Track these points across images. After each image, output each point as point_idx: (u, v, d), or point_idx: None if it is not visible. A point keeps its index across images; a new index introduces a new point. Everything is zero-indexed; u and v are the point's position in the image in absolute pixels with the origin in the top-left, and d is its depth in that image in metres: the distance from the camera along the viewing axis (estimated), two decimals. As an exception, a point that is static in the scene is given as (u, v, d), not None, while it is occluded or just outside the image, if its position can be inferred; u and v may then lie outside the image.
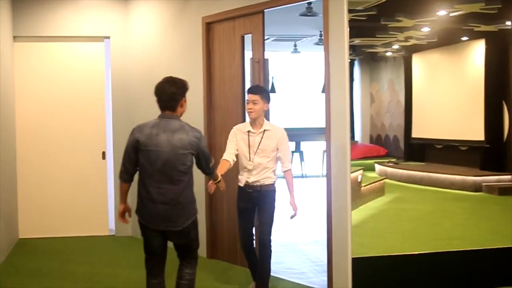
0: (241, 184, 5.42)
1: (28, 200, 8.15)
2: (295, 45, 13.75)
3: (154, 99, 7.45)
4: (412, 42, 11.51)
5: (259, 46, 6.27)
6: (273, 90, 15.62)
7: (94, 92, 8.28)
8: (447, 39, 13.42)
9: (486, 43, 13.01)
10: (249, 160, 5.34)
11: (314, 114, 15.56)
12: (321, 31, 12.28)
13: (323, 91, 15.92)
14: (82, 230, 8.27)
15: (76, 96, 8.27)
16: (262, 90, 5.44)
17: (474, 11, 9.40)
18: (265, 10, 6.18)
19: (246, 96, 5.42)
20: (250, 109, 5.33)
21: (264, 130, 5.35)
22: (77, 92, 8.26)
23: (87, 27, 8.19)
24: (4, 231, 7.13)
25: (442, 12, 9.71)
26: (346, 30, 5.27)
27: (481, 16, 10.23)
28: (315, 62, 15.72)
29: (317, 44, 12.90)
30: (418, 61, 12.66)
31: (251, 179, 5.34)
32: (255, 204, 5.40)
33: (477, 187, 12.19)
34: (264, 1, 6.09)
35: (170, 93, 4.76)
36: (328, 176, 5.50)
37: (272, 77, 15.68)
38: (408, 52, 11.77)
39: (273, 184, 5.41)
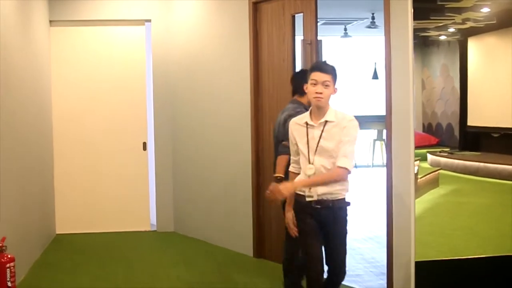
0: (305, 196, 4.00)
1: (65, 194, 7.80)
2: (345, 29, 13.24)
3: (197, 86, 7.15)
4: (469, 24, 10.84)
5: (312, 26, 5.76)
6: (375, 76, 15.10)
7: (134, 79, 7.87)
8: (507, 21, 12.79)
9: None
10: (309, 163, 4.00)
11: (363, 102, 15.09)
12: (373, 13, 11.77)
13: (374, 77, 15.52)
14: (122, 225, 7.89)
15: (116, 84, 7.87)
16: (333, 68, 3.99)
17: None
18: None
19: (311, 76, 3.91)
20: (320, 94, 3.88)
21: (326, 122, 3.95)
22: (116, 79, 7.87)
23: (127, 10, 7.77)
24: (40, 226, 6.78)
25: (507, -10, 9.19)
26: (411, 8, 4.76)
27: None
28: (366, 46, 15.24)
29: (369, 27, 12.37)
30: (474, 45, 11.94)
31: (319, 191, 3.96)
32: (322, 225, 4.04)
33: (542, 179, 11.58)
34: (317, -24, 5.59)
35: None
36: (389, 166, 4.99)
37: (375, 63, 15.16)
38: (464, 36, 11.06)
39: (344, 199, 4.05)
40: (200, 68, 7.22)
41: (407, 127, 4.85)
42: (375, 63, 15.14)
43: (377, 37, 15.75)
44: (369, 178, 13.30)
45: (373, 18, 11.99)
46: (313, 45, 5.73)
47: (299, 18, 5.92)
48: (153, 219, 8.05)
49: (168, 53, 7.74)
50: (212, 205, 7.12)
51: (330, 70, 3.93)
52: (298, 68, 5.97)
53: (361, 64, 15.34)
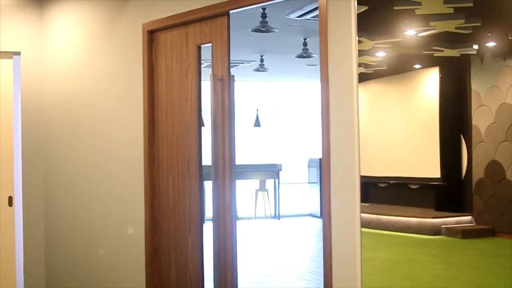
0: None
1: None
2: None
3: (77, 131, 6.07)
4: (360, 70, 10.29)
5: (223, 58, 4.84)
6: (257, 124, 14.50)
7: (-2, 121, 6.66)
8: (398, 67, 12.44)
9: (440, 71, 12.05)
10: None
11: (245, 150, 14.44)
12: (262, 55, 11.09)
13: (256, 125, 14.94)
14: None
15: (-25, 126, 6.61)
16: None
17: (447, 30, 8.45)
18: (230, 12, 4.76)
19: None
20: None
21: None
22: (-24, 121, 6.61)
23: (-9, 40, 6.56)
24: None
25: (410, 32, 8.77)
26: (355, 34, 3.95)
27: (450, 39, 9.35)
28: (249, 92, 14.65)
29: (257, 70, 11.69)
30: (361, 93, 11.37)
31: None
32: None
33: (436, 230, 11.11)
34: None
35: None
36: (327, 222, 4.09)
37: (257, 110, 14.52)
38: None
39: None
40: (81, 109, 6.14)
41: (352, 173, 3.99)
42: (257, 109, 14.57)
43: (261, 83, 15.29)
44: (253, 231, 12.71)
45: (262, 60, 11.32)
46: (225, 81, 4.81)
47: (207, 48, 4.99)
48: (19, 282, 6.74)
49: (42, 91, 6.58)
50: (95, 274, 5.97)
51: None
52: (205, 106, 5.03)
53: (243, 111, 14.73)
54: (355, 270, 4.02)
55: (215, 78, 4.82)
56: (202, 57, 5.13)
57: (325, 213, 4.12)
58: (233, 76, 4.87)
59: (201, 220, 5.08)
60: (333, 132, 4.09)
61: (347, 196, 4.04)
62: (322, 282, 4.19)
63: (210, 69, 4.88)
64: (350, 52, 4.00)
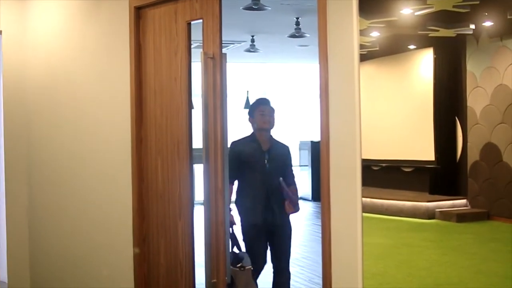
0: None
1: None
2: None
3: (62, 113, 5.83)
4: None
5: (215, 35, 4.57)
6: (248, 106, 14.27)
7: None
8: (392, 48, 12.22)
9: (435, 52, 11.84)
10: None
11: (235, 133, 14.21)
12: (253, 36, 10.83)
13: (246, 107, 14.79)
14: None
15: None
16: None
17: (444, 9, 8.22)
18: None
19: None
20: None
21: None
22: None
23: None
24: None
25: (407, 10, 8.52)
26: (356, 19, 3.71)
27: (446, 18, 9.12)
28: (239, 73, 14.43)
29: (248, 51, 11.43)
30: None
31: None
32: None
33: (430, 214, 10.93)
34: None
35: None
36: (326, 209, 3.86)
37: (247, 92, 14.32)
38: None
39: None
40: (65, 90, 5.89)
41: (353, 159, 3.75)
42: (248, 91, 14.34)
43: (252, 64, 15.03)
44: None
45: (252, 41, 11.06)
46: (217, 60, 4.55)
47: (197, 25, 4.73)
48: (2, 272, 6.65)
49: (24, 71, 6.35)
50: (81, 263, 5.74)
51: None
52: (195, 88, 4.79)
53: (233, 92, 14.48)
54: (355, 258, 3.79)
55: (206, 56, 4.56)
56: (192, 38, 4.88)
57: (324, 198, 3.88)
58: (225, 54, 4.61)
59: (192, 205, 4.86)
60: (332, 113, 3.85)
61: (348, 180, 3.80)
62: (315, 268, 4.00)
63: (200, 50, 4.62)
64: (351, 29, 3.74)
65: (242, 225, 5.50)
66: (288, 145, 5.73)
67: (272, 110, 5.53)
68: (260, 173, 5.43)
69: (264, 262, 5.49)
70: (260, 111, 5.52)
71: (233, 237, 5.22)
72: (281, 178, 5.33)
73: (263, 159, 5.44)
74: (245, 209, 5.50)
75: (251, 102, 14.33)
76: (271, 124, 5.50)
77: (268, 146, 5.51)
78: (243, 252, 5.25)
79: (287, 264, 5.55)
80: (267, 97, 5.74)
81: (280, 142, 5.64)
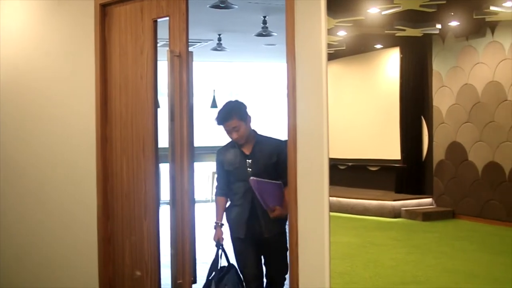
0: None
1: None
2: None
3: (25, 110, 5.73)
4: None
5: (181, 33, 4.53)
6: (214, 105, 14.32)
7: None
8: (359, 47, 12.24)
9: (401, 52, 11.89)
10: None
11: (201, 132, 14.15)
12: (220, 34, 10.77)
13: (213, 106, 14.68)
14: None
15: None
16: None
17: (411, 8, 8.25)
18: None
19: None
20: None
21: None
22: None
23: None
24: None
25: (374, 10, 8.52)
26: (324, 17, 3.69)
27: (413, 17, 9.15)
28: (205, 72, 14.37)
29: (215, 49, 11.37)
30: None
31: None
32: None
33: (396, 213, 10.97)
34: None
35: None
36: (293, 206, 3.84)
37: (214, 91, 14.23)
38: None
39: None
40: (29, 89, 5.77)
41: (320, 158, 3.74)
42: (214, 90, 14.30)
43: (219, 63, 14.97)
44: (210, 214, 12.43)
45: (219, 39, 11.01)
46: (183, 58, 4.51)
47: (164, 23, 4.68)
48: None
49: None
50: (45, 263, 5.64)
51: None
52: (161, 86, 4.73)
53: (199, 92, 14.44)
54: (323, 257, 3.79)
55: (172, 54, 4.51)
56: (159, 36, 4.83)
57: (291, 198, 3.86)
58: (191, 52, 4.58)
59: (158, 205, 4.80)
60: (300, 113, 3.83)
61: (315, 179, 3.79)
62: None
63: (167, 48, 4.57)
64: (319, 28, 3.73)
65: (230, 238, 4.95)
66: (279, 138, 4.87)
67: (239, 120, 4.76)
68: (243, 181, 4.74)
69: (257, 275, 4.88)
70: (224, 128, 4.83)
71: (223, 250, 4.85)
72: (252, 178, 4.62)
73: (244, 165, 4.76)
74: (231, 221, 4.91)
75: (217, 102, 14.34)
76: (240, 137, 4.78)
77: (251, 149, 4.83)
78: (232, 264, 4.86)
79: (280, 278, 4.93)
80: (232, 100, 4.98)
81: (267, 139, 4.92)
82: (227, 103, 4.90)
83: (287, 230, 4.12)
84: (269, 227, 4.76)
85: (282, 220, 4.70)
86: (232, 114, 4.75)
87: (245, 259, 4.84)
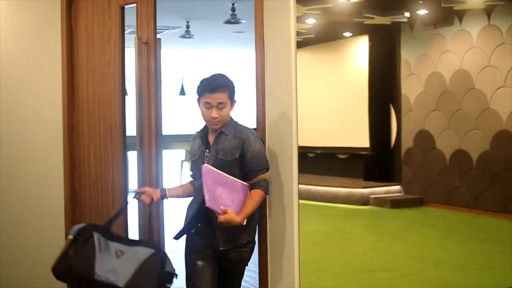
0: None
1: None
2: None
3: None
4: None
5: (149, 20, 4.49)
6: (182, 92, 14.29)
7: None
8: (328, 35, 12.25)
9: (370, 40, 11.91)
10: None
11: (170, 120, 14.11)
12: (188, 22, 10.71)
13: (181, 93, 14.57)
14: None
15: None
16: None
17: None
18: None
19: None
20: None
21: None
22: None
23: None
24: None
25: (343, -3, 8.57)
26: (293, 4, 3.67)
27: (382, 5, 9.18)
28: (173, 59, 14.29)
29: (183, 37, 11.29)
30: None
31: None
32: None
33: (364, 200, 11.01)
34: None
35: None
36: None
37: (182, 78, 14.10)
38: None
39: None
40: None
41: (289, 146, 3.74)
42: (182, 78, 14.23)
43: (187, 50, 14.90)
44: (178, 203, 12.34)
45: (188, 27, 10.93)
46: (151, 45, 4.46)
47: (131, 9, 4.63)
48: None
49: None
50: (11, 253, 5.56)
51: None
52: (129, 74, 4.68)
53: (167, 79, 14.36)
54: (292, 245, 3.80)
55: (140, 41, 4.47)
56: (126, 23, 4.77)
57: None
58: (159, 39, 4.53)
59: (126, 194, 4.76)
60: (269, 101, 3.82)
61: (284, 167, 3.78)
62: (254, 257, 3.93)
63: (134, 35, 4.52)
64: (288, 15, 3.72)
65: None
66: (248, 128, 3.72)
67: (228, 98, 3.68)
68: (200, 176, 3.55)
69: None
70: (206, 101, 3.66)
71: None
72: (205, 165, 3.52)
73: (203, 156, 3.71)
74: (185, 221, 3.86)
75: (186, 89, 14.28)
76: (221, 118, 3.65)
77: (213, 138, 3.74)
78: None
79: None
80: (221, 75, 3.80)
81: (240, 130, 3.71)
82: (221, 74, 3.78)
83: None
84: (225, 238, 3.62)
85: (244, 230, 3.62)
86: (226, 86, 3.66)
87: (194, 273, 3.69)
